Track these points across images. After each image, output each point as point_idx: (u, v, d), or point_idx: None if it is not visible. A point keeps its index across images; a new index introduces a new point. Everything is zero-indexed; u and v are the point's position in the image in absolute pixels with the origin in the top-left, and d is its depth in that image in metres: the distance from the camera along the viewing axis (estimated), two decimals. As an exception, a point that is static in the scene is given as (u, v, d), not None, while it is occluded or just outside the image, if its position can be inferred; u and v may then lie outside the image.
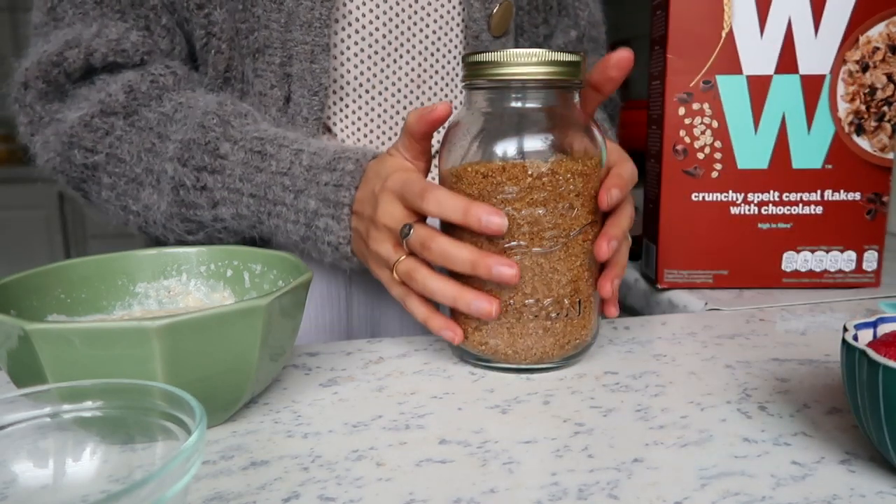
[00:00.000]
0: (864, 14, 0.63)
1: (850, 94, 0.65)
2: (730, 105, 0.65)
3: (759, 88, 0.64)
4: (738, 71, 0.64)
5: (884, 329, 0.37)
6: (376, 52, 0.61)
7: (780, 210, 0.67)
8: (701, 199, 0.67)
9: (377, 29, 0.61)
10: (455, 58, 0.66)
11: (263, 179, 0.54)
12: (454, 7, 0.64)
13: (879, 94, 0.64)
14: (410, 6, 0.62)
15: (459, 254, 0.45)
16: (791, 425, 0.39)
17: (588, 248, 0.47)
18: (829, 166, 0.66)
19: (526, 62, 0.44)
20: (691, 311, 0.64)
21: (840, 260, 0.67)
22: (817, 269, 0.68)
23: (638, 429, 0.39)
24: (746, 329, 0.56)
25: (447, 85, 0.66)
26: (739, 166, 0.66)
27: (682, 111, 0.65)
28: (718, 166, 0.66)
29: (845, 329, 0.35)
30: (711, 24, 0.63)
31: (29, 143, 0.62)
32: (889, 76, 0.64)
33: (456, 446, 0.37)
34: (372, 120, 0.63)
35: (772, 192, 0.66)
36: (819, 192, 0.66)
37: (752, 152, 0.66)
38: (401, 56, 0.62)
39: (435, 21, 0.63)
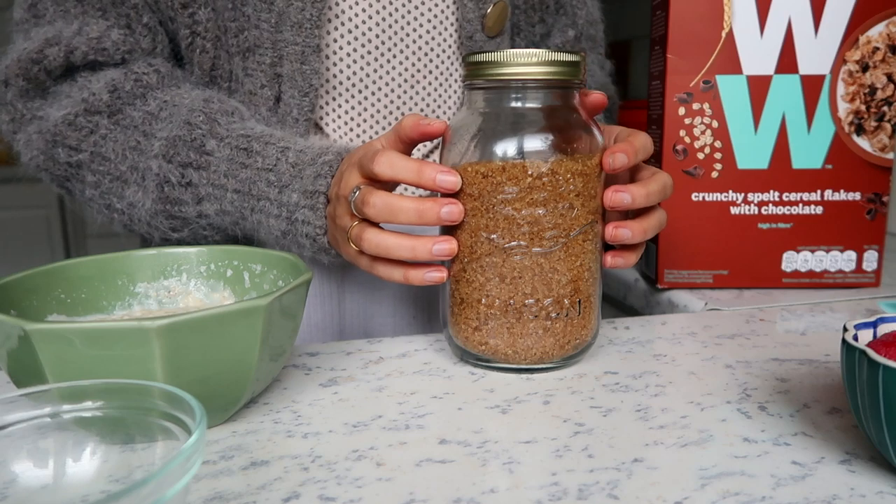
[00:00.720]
0: (864, 14, 0.63)
1: (850, 94, 0.65)
2: (730, 105, 0.65)
3: (759, 88, 0.64)
4: (738, 71, 0.64)
5: (884, 329, 0.37)
6: (369, 53, 0.61)
7: (780, 210, 0.67)
8: (701, 199, 0.67)
9: (370, 29, 0.61)
10: (448, 58, 0.66)
11: (248, 175, 0.54)
12: (448, 7, 0.64)
13: (879, 94, 0.64)
14: (404, 6, 0.62)
15: (403, 203, 0.45)
16: (791, 425, 0.39)
17: (588, 248, 0.47)
18: (829, 166, 0.66)
19: (526, 62, 0.44)
20: (691, 311, 0.64)
21: (840, 260, 0.67)
22: (817, 269, 0.68)
23: (638, 429, 0.39)
24: (746, 329, 0.56)
25: (440, 85, 0.66)
26: (739, 166, 0.66)
27: (682, 111, 0.65)
28: (718, 166, 0.66)
29: (845, 329, 0.35)
30: (711, 24, 0.63)
31: (12, 141, 0.62)
32: (889, 76, 0.64)
33: (456, 446, 0.37)
34: (365, 120, 0.63)
35: (772, 192, 0.66)
36: (819, 192, 0.66)
37: (752, 152, 0.66)
38: (394, 56, 0.62)
39: (429, 21, 0.63)
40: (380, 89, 0.63)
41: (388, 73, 0.62)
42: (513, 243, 0.45)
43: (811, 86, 0.64)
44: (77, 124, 0.57)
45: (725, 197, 0.67)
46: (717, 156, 0.66)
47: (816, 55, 0.64)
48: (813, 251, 0.67)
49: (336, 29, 0.60)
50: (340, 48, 0.61)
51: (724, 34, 0.63)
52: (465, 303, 0.47)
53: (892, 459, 0.32)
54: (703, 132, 0.66)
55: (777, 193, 0.66)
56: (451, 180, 0.44)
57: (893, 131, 0.65)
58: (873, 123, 0.65)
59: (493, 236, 0.45)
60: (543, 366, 0.47)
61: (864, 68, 0.64)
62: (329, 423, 0.40)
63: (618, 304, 0.82)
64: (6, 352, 0.36)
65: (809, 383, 0.44)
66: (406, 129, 0.47)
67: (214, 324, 0.35)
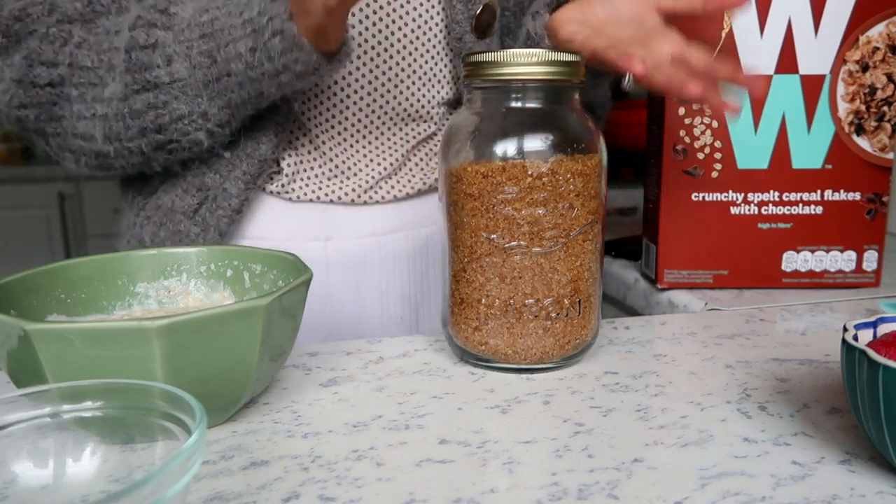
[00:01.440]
0: (864, 14, 0.63)
1: (850, 94, 0.65)
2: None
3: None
4: (738, 71, 0.64)
5: (884, 329, 0.37)
6: (358, 57, 0.61)
7: (780, 210, 0.67)
8: (701, 199, 0.67)
9: (352, 27, 0.61)
10: (433, 58, 0.65)
11: (213, 16, 0.53)
12: (434, 7, 0.64)
13: (879, 94, 0.64)
14: (389, 3, 0.62)
15: None
16: (791, 425, 0.39)
17: (588, 248, 0.47)
18: (829, 166, 0.66)
19: (526, 62, 0.44)
20: (691, 311, 0.64)
21: (840, 260, 0.67)
22: (817, 269, 0.68)
23: (638, 429, 0.39)
24: (746, 329, 0.56)
25: (423, 85, 0.65)
26: (739, 166, 0.66)
27: (682, 111, 0.65)
28: (718, 166, 0.66)
29: (845, 329, 0.35)
30: (711, 24, 0.63)
31: None
32: (889, 76, 0.64)
33: (456, 446, 0.37)
34: (346, 119, 0.63)
35: (772, 192, 0.66)
36: (819, 192, 0.66)
37: (752, 152, 0.66)
38: (377, 55, 0.62)
39: (414, 20, 0.63)
40: (362, 87, 0.62)
41: (371, 71, 0.62)
42: (513, 243, 0.45)
43: (811, 86, 0.64)
44: (50, 36, 0.56)
45: (725, 197, 0.67)
46: (717, 156, 0.66)
47: (816, 55, 0.64)
48: (813, 251, 0.67)
49: None
50: None
51: (723, 34, 0.63)
52: (465, 303, 0.47)
53: (892, 459, 0.32)
54: (703, 132, 0.66)
55: (777, 193, 0.66)
56: None
57: (893, 131, 0.65)
58: (873, 123, 0.65)
59: (494, 236, 0.45)
60: (543, 366, 0.47)
61: (864, 68, 0.64)
62: (329, 423, 0.40)
63: (618, 304, 0.82)
64: (6, 352, 0.36)
65: (809, 383, 0.44)
66: None
67: (214, 324, 0.35)
